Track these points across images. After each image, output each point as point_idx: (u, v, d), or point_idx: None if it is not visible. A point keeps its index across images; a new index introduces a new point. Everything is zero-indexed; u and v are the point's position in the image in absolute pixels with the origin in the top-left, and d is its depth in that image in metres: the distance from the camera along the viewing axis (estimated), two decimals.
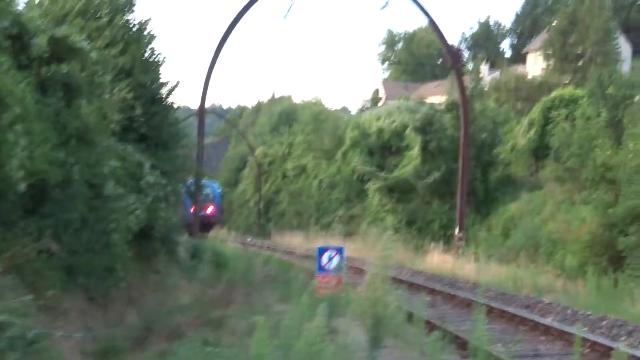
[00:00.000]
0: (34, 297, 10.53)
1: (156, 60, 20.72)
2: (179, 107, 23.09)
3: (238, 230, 71.27)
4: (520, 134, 41.61)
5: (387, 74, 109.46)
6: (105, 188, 14.37)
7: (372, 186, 45.88)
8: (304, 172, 62.82)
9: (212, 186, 53.68)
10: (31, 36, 11.01)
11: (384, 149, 51.54)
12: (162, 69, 21.23)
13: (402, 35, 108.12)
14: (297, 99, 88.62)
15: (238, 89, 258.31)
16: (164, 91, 20.96)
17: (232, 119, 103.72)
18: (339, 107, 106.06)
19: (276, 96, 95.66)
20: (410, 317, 13.16)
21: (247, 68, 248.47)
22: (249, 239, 54.59)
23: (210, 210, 51.14)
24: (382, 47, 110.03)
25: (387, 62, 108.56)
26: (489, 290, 22.38)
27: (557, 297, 21.06)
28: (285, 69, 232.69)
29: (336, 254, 13.90)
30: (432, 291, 23.18)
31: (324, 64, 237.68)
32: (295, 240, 49.21)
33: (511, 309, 18.56)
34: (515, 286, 23.92)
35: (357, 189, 50.55)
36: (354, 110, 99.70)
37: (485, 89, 49.54)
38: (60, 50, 12.95)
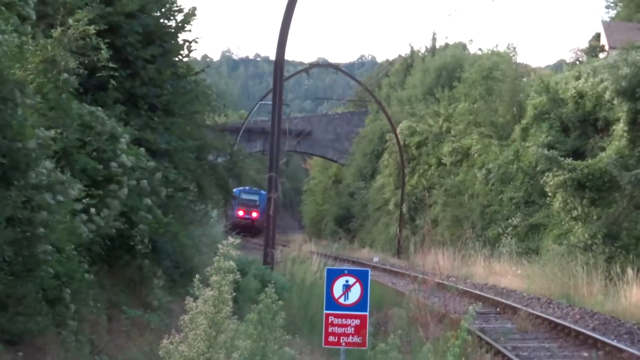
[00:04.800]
0: None
1: None
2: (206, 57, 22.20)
3: (373, 246, 70.63)
4: None
5: (612, 13, 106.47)
6: (30, 172, 13.98)
7: (551, 180, 43.88)
8: (467, 158, 60.99)
9: (259, 193, 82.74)
10: None
11: (586, 123, 49.56)
12: None
13: None
14: (472, 49, 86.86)
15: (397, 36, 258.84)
16: (168, 25, 20.49)
17: (374, 78, 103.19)
18: (551, 63, 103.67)
19: (438, 44, 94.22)
20: None
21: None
22: (375, 259, 54.37)
23: (255, 215, 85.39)
24: None
25: None
26: None
27: None
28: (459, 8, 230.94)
29: (356, 281, 12.66)
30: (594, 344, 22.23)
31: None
32: (442, 263, 47.93)
33: None
34: None
35: (542, 186, 48.55)
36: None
37: None
38: None
